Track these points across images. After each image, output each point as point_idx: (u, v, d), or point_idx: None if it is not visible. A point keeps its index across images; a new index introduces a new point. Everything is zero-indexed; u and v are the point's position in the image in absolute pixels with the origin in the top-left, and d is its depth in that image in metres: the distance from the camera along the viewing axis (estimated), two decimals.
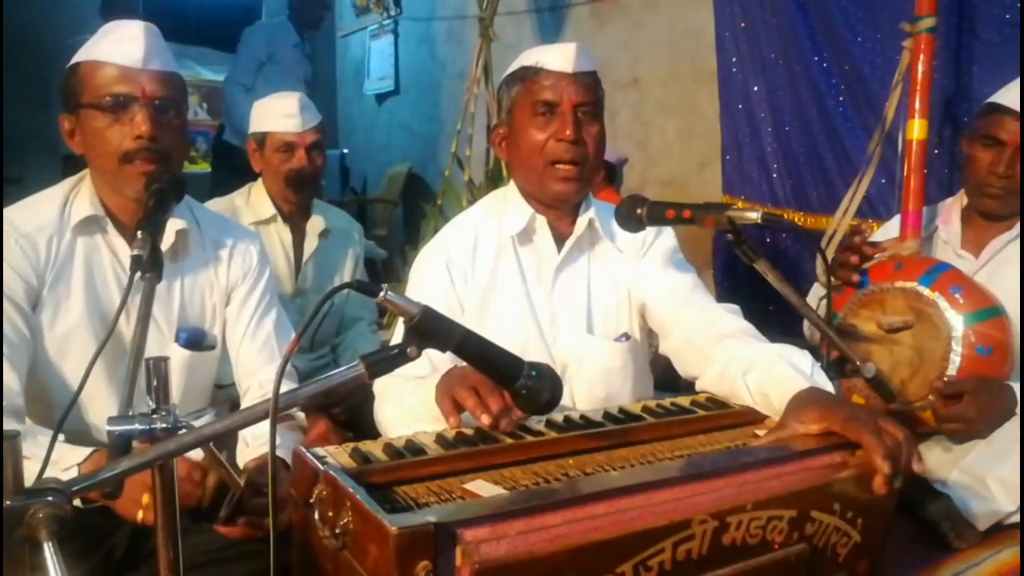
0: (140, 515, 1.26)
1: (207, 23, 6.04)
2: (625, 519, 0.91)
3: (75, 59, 1.49)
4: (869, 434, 1.07)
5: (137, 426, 0.91)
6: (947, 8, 2.43)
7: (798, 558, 1.02)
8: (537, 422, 1.23)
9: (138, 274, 1.18)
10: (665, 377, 1.94)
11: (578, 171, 1.59)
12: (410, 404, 1.44)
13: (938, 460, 1.94)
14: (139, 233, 1.22)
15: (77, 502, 1.27)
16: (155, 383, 0.96)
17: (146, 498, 1.23)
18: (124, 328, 1.50)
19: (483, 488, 1.00)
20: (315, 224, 2.55)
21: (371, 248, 3.04)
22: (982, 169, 2.05)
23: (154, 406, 0.95)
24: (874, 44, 2.68)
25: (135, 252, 1.19)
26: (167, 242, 1.55)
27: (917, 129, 2.23)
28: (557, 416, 1.25)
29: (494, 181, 3.88)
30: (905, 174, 2.24)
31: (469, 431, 1.19)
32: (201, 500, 1.30)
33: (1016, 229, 2.06)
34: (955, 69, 2.53)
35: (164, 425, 0.92)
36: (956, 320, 1.93)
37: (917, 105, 2.23)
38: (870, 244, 2.14)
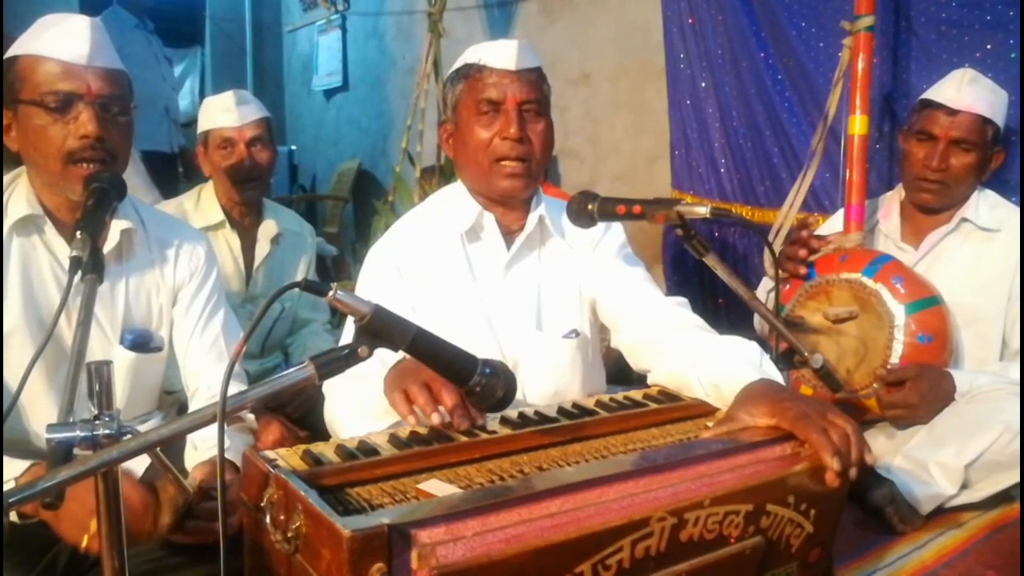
0: (84, 542, 1.21)
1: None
2: (582, 516, 0.91)
3: (12, 52, 1.42)
4: (816, 433, 1.09)
5: (78, 433, 0.88)
6: (885, 6, 2.48)
7: (753, 551, 1.04)
8: (491, 419, 1.23)
9: (78, 276, 1.14)
10: (617, 371, 1.96)
11: (524, 168, 1.59)
12: (359, 400, 1.43)
13: (882, 447, 1.99)
14: (78, 234, 1.18)
15: (14, 517, 1.23)
16: (97, 388, 0.93)
17: (93, 526, 1.19)
18: (65, 332, 1.45)
19: (437, 488, 1.00)
20: (267, 229, 2.51)
21: (321, 245, 3.00)
22: (917, 163, 2.11)
23: (96, 412, 0.92)
24: (817, 40, 2.73)
25: (74, 253, 1.15)
26: (111, 242, 1.51)
27: (858, 124, 2.28)
28: (511, 412, 1.25)
29: (445, 177, 3.86)
30: (847, 169, 2.30)
31: (423, 429, 1.18)
32: (150, 536, 1.27)
33: (954, 222, 2.12)
34: (893, 66, 2.59)
35: (107, 431, 0.89)
36: (898, 309, 1.99)
37: (858, 101, 2.28)
38: (816, 237, 2.19)
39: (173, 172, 4.56)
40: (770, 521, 1.06)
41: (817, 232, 2.31)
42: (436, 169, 4.06)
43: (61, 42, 1.40)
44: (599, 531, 0.90)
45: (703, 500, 0.98)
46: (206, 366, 1.64)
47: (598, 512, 0.92)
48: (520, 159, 1.58)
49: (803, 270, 2.14)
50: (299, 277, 2.60)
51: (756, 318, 2.28)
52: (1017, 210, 2.13)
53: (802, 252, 2.14)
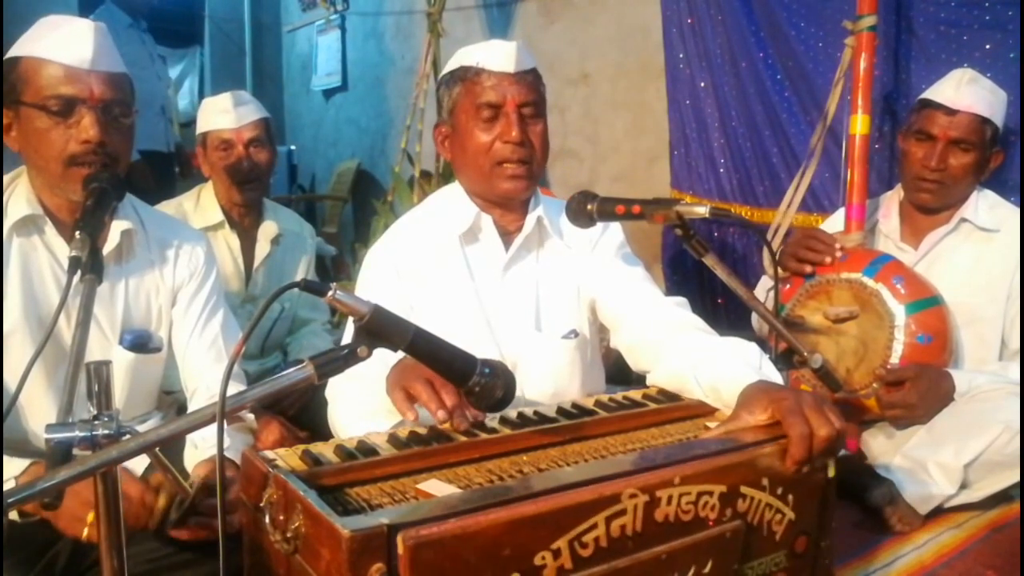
0: (85, 532, 1.22)
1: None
2: (560, 497, 0.92)
3: (13, 52, 1.42)
4: (797, 436, 1.09)
5: (77, 433, 0.88)
6: (885, 6, 2.48)
7: (733, 534, 1.04)
8: (491, 419, 1.23)
9: (77, 276, 1.14)
10: (617, 371, 1.96)
11: (526, 169, 1.59)
12: (362, 402, 1.43)
13: (882, 446, 1.99)
14: (77, 234, 1.19)
15: (14, 516, 1.24)
16: (96, 388, 0.93)
17: (91, 516, 1.20)
18: (65, 332, 1.46)
19: (437, 488, 1.00)
20: (268, 230, 2.51)
21: (320, 245, 3.00)
22: (916, 163, 2.11)
23: (95, 412, 0.92)
24: (816, 41, 2.73)
25: (73, 253, 1.16)
26: (111, 243, 1.51)
27: (859, 124, 2.28)
28: (510, 412, 1.25)
29: (445, 177, 3.86)
30: (848, 168, 2.30)
31: (423, 429, 1.18)
32: (148, 525, 1.27)
33: (953, 222, 2.13)
34: (894, 66, 2.59)
35: (106, 431, 0.90)
36: (898, 309, 1.99)
37: (859, 101, 2.28)
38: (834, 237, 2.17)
39: (170, 171, 4.55)
40: (747, 505, 1.06)
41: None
42: (435, 172, 4.06)
43: (64, 46, 1.39)
44: (570, 505, 0.91)
45: (673, 478, 0.98)
46: (205, 366, 1.65)
47: (578, 494, 0.93)
48: (522, 161, 1.58)
49: (808, 269, 2.13)
50: (299, 277, 2.59)
51: (755, 318, 2.28)
52: (1016, 210, 2.13)
53: (828, 259, 2.12)
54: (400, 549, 0.81)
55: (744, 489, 1.05)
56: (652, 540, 0.97)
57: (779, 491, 1.09)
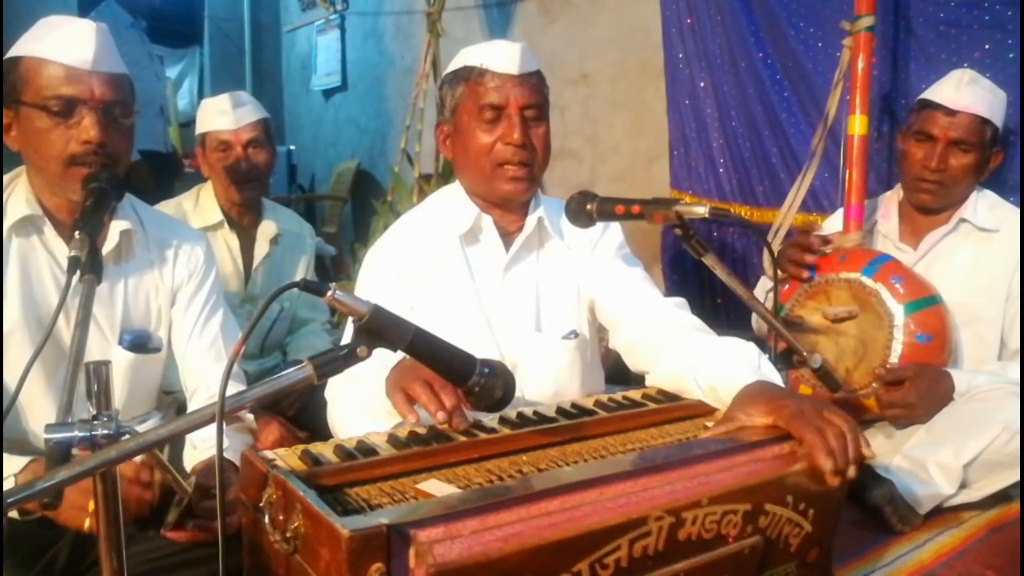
0: (87, 523, 1.22)
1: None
2: (579, 515, 0.91)
3: (13, 52, 1.42)
4: (810, 433, 1.09)
5: (77, 433, 0.88)
6: (884, 6, 2.48)
7: (752, 550, 1.04)
8: (490, 419, 1.23)
9: (77, 276, 1.14)
10: (616, 371, 1.96)
11: (527, 172, 1.59)
12: (361, 404, 1.43)
13: (881, 446, 1.99)
14: (76, 234, 1.18)
15: (14, 514, 1.24)
16: (95, 388, 0.93)
17: (92, 505, 1.20)
18: (64, 332, 1.45)
19: (436, 487, 1.00)
20: (267, 229, 2.51)
21: (320, 245, 3.00)
22: (916, 164, 2.11)
23: (95, 412, 0.92)
24: (815, 41, 2.73)
25: (72, 253, 1.16)
26: (110, 243, 1.51)
27: (858, 125, 2.28)
28: (510, 412, 1.25)
29: (444, 177, 3.86)
30: (847, 169, 2.30)
31: (422, 429, 1.18)
32: (152, 502, 1.27)
33: (952, 222, 2.13)
34: (892, 66, 2.59)
35: (105, 431, 0.89)
36: (897, 309, 1.99)
37: (858, 101, 2.28)
38: (820, 238, 2.19)
39: (169, 171, 4.55)
40: (768, 521, 1.06)
41: (817, 233, 2.31)
42: (435, 172, 4.05)
43: (65, 46, 1.39)
44: (597, 530, 0.90)
45: (701, 499, 0.98)
46: (205, 366, 1.64)
47: (595, 511, 0.92)
48: (523, 163, 1.58)
49: (805, 274, 2.14)
50: (298, 277, 2.59)
51: (754, 318, 2.28)
52: (1016, 210, 2.13)
53: (809, 258, 2.13)
54: (413, 564, 0.80)
55: (768, 506, 1.05)
56: (672, 558, 0.97)
57: (801, 506, 1.09)
